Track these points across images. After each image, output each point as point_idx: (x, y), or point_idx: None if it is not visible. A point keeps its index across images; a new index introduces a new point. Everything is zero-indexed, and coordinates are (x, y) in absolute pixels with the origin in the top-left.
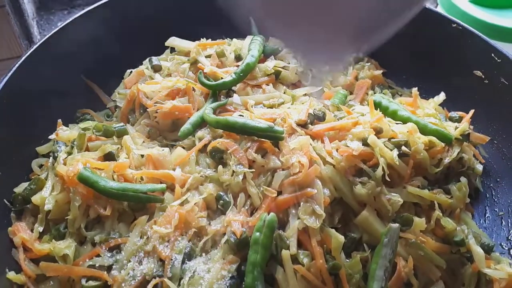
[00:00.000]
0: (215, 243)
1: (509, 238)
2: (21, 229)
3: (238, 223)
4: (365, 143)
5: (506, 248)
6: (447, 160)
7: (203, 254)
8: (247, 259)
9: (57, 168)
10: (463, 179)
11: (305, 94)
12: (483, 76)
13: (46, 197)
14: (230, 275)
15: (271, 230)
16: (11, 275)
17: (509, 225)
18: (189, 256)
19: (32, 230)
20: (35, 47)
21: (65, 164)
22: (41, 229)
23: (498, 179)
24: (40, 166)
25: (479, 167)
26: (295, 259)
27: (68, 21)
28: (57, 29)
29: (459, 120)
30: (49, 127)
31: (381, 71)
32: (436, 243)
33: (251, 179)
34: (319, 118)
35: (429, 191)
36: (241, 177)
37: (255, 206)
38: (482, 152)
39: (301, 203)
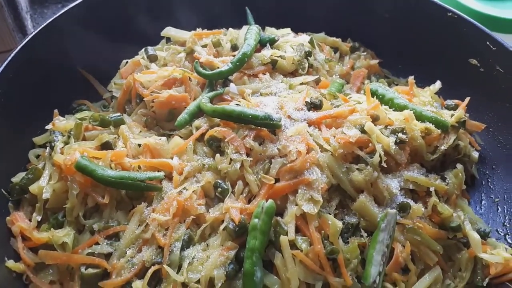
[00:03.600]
0: (213, 230)
1: (505, 224)
2: (19, 219)
3: (237, 210)
4: (362, 130)
5: (502, 234)
6: (443, 147)
7: (202, 242)
8: (246, 245)
9: (54, 157)
10: (459, 166)
11: (302, 83)
12: (478, 64)
13: (44, 186)
14: (229, 261)
15: (269, 216)
16: (10, 263)
17: (505, 211)
18: (187, 243)
19: (30, 220)
20: (29, 37)
21: (62, 153)
22: (39, 218)
23: (494, 166)
24: (37, 156)
25: (475, 155)
26: (293, 245)
27: (61, 12)
28: (51, 20)
29: (455, 108)
30: (45, 118)
31: (377, 61)
32: (433, 228)
33: (249, 167)
34: (316, 106)
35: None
36: (238, 165)
37: (253, 193)
38: (478, 140)
39: (299, 190)
